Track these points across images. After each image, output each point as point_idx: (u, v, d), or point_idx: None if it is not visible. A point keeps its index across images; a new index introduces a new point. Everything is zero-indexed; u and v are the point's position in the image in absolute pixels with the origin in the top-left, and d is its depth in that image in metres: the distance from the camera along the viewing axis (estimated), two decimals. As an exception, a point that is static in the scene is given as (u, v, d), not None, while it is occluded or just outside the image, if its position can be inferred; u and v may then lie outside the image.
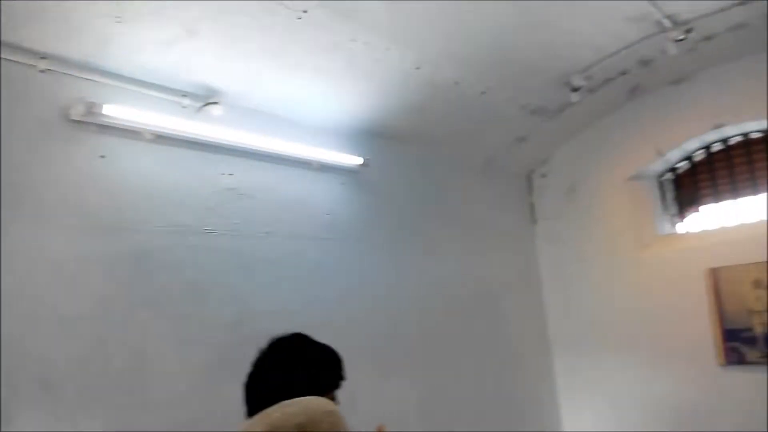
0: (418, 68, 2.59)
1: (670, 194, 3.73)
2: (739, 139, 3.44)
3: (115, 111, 1.95)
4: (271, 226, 2.41)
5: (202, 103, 2.22)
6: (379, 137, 2.94)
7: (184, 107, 2.19)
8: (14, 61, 1.81)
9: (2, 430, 1.64)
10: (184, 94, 2.19)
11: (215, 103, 2.23)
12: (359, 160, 2.72)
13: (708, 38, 2.96)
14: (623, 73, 3.22)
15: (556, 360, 4.07)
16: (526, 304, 3.92)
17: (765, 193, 3.37)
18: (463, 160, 3.52)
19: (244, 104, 2.37)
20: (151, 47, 2.01)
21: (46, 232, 1.83)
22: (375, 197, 2.90)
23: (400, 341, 2.83)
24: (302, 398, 1.08)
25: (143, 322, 2.00)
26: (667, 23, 2.78)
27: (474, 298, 3.44)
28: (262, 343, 2.29)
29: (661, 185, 3.72)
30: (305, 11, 2.10)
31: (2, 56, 1.78)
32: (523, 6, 2.42)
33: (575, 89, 3.10)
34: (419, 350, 2.91)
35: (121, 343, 1.94)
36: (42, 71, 1.87)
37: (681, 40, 2.84)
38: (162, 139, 2.12)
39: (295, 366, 1.36)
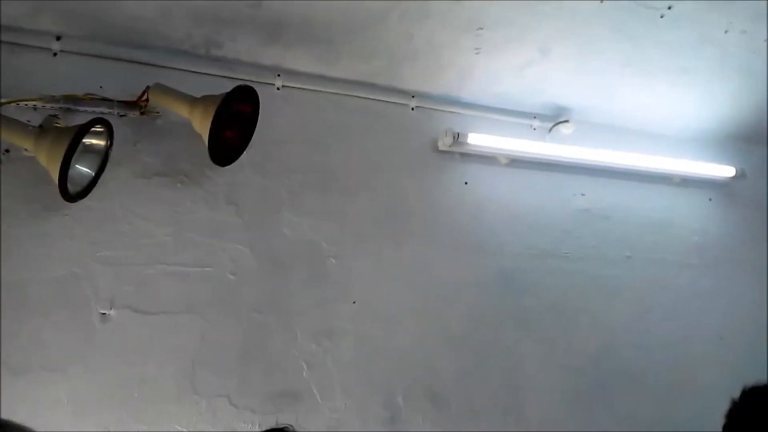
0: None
1: None
2: None
3: (475, 139, 2.04)
4: (631, 250, 2.21)
5: (553, 123, 2.17)
6: (757, 143, 2.46)
7: (534, 129, 2.18)
8: (391, 102, 2.04)
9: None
10: (534, 116, 2.18)
11: (565, 121, 2.16)
12: (731, 171, 2.29)
13: None
14: None
15: None
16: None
17: None
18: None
19: (594, 120, 2.23)
20: (505, 73, 2.05)
21: (429, 251, 1.99)
22: (753, 213, 2.43)
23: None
24: None
25: (514, 343, 2.02)
26: None
27: None
28: (628, 374, 2.11)
29: None
30: (669, 7, 1.88)
31: (383, 99, 2.02)
32: None
33: None
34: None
35: (496, 361, 1.98)
36: (413, 108, 2.08)
37: None
38: (516, 162, 2.13)
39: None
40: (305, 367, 1.77)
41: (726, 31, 1.99)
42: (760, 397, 1.24)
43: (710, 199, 2.35)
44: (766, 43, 2.04)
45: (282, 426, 1.19)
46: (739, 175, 2.32)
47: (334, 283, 1.87)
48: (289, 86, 1.89)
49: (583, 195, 2.19)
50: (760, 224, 2.44)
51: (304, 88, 1.90)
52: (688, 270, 2.26)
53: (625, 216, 2.21)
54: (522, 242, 2.10)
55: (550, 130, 2.18)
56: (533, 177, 2.17)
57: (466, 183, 2.09)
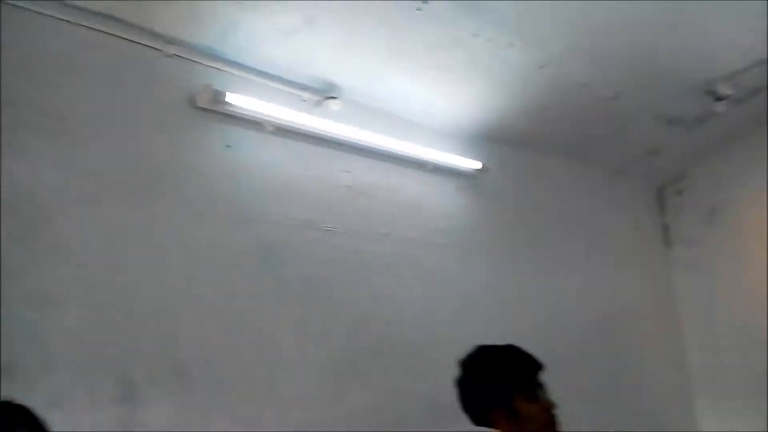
0: (542, 67, 2.41)
1: None
2: None
3: (239, 100, 1.94)
4: (389, 228, 2.29)
5: (322, 98, 2.18)
6: (500, 141, 2.76)
7: (304, 101, 2.16)
8: (142, 45, 1.83)
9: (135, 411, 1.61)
10: (305, 88, 2.15)
11: (334, 98, 2.19)
12: (477, 165, 2.55)
13: None
14: (774, 83, 2.85)
15: (697, 403, 3.55)
16: (661, 336, 3.47)
17: None
18: (590, 171, 3.25)
19: (362, 101, 2.30)
20: (271, 36, 1.99)
21: (180, 215, 1.83)
22: (494, 204, 2.71)
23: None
24: None
25: (269, 315, 1.94)
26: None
27: (600, 325, 3.08)
28: (380, 348, 2.17)
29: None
30: (425, 1, 2.00)
31: (129, 38, 1.80)
32: (660, 2, 2.19)
33: (720, 98, 2.77)
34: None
35: (248, 333, 1.88)
36: (169, 56, 1.89)
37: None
38: (283, 131, 2.09)
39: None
40: (21, 336, 1.49)
41: (474, 35, 2.19)
42: (477, 352, 1.45)
43: (458, 188, 2.57)
44: (508, 50, 2.30)
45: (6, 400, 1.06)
46: (484, 169, 2.59)
47: (57, 242, 1.60)
48: (10, 3, 1.59)
49: (348, 172, 2.23)
50: (500, 214, 2.73)
51: (28, 9, 1.62)
52: (437, 250, 2.42)
53: (385, 195, 2.30)
54: (284, 213, 2.05)
55: (319, 104, 2.18)
56: (300, 148, 2.15)
57: (228, 146, 1.98)
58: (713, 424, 3.48)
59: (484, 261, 2.60)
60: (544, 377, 1.48)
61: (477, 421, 1.42)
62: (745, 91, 2.79)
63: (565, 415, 2.71)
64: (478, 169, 2.56)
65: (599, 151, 3.12)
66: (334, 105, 2.18)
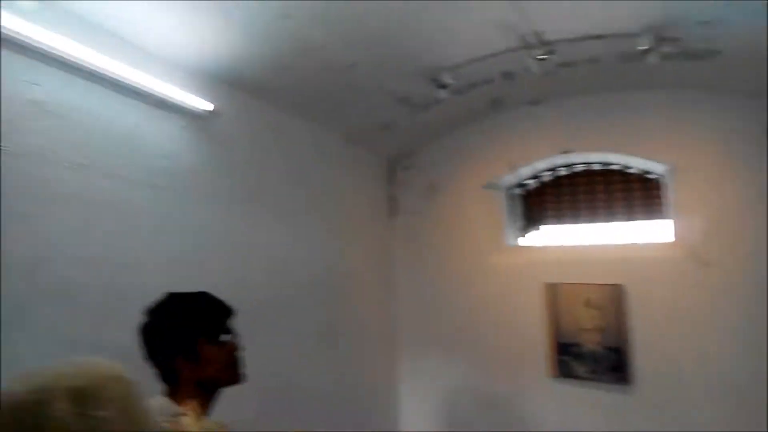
0: (283, 18, 2.34)
1: (519, 208, 3.88)
2: (583, 167, 3.67)
3: None
4: (89, 158, 1.98)
5: (14, -9, 1.79)
6: (238, 88, 2.64)
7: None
8: None
9: None
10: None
11: (32, -7, 1.82)
12: (209, 106, 2.40)
13: (567, 65, 3.11)
14: (488, 81, 3.27)
15: (401, 358, 3.98)
16: (377, 295, 3.81)
17: (603, 222, 3.61)
18: (327, 135, 3.35)
19: (79, 11, 1.96)
20: None
21: None
22: (223, 150, 2.58)
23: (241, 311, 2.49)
24: (86, 359, 0.95)
25: None
26: (531, 39, 2.87)
27: (323, 279, 3.23)
28: (64, 291, 1.87)
29: (511, 198, 3.86)
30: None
31: None
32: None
33: (442, 86, 3.09)
34: (258, 322, 2.57)
35: None
36: None
37: (542, 59, 2.95)
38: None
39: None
40: None
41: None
42: (164, 300, 1.42)
43: (184, 127, 2.38)
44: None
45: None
46: (216, 113, 2.45)
47: None
48: None
49: (37, 85, 1.87)
50: (228, 161, 2.62)
51: None
52: (154, 190, 2.21)
53: (90, 122, 1.99)
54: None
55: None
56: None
57: None
58: (414, 372, 3.94)
59: (208, 207, 2.46)
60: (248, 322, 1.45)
61: (162, 369, 1.37)
62: (464, 83, 3.17)
63: (287, 355, 2.77)
64: (210, 111, 2.41)
65: (336, 117, 3.23)
66: (27, 4, 1.81)
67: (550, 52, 2.94)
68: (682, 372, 3.15)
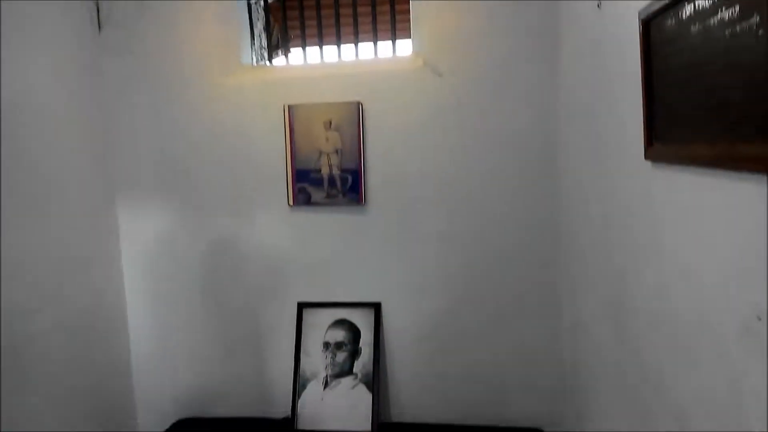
0: None
1: (260, 23, 3.41)
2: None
3: None
4: None
5: None
6: None
7: None
8: None
9: None
10: None
11: None
12: None
13: None
14: None
15: (118, 195, 3.42)
16: (76, 127, 3.11)
17: (349, 44, 3.36)
18: None
19: None
20: None
21: None
22: None
23: None
24: None
25: None
26: None
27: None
28: None
29: (250, 10, 3.36)
30: None
31: None
32: None
33: None
34: None
35: None
36: None
37: None
38: None
39: None
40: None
41: None
42: None
43: None
44: None
45: None
46: None
47: None
48: None
49: None
50: None
51: None
52: None
53: None
54: None
55: None
56: None
57: None
58: (134, 218, 3.43)
59: None
60: None
61: None
62: None
63: None
64: None
65: None
66: None
67: None
68: (411, 187, 3.16)
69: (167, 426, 3.35)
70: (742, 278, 1.00)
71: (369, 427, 3.07)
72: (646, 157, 1.56)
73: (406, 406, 3.26)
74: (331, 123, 3.22)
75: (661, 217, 1.43)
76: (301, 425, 3.16)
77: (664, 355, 1.42)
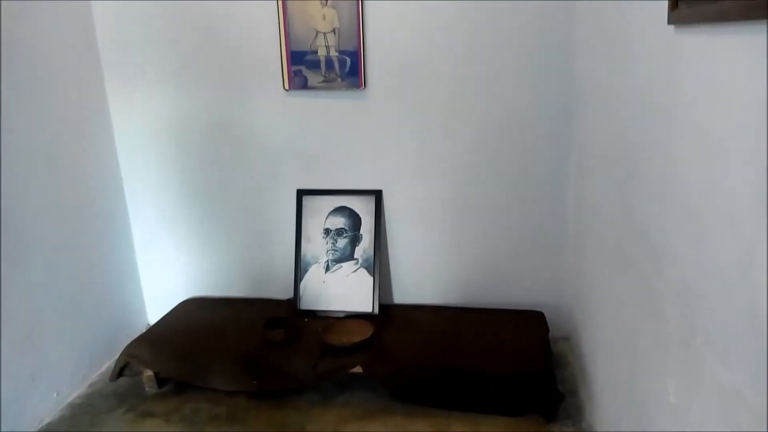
0: None
1: None
2: None
3: None
4: None
5: None
6: None
7: None
8: None
9: None
10: None
11: None
12: None
13: None
14: None
15: (108, 87, 3.29)
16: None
17: None
18: None
19: None
20: None
21: None
22: None
23: None
24: None
25: None
26: None
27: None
28: None
29: None
30: None
31: None
32: None
33: None
34: None
35: None
36: None
37: None
38: None
39: None
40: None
41: None
42: None
43: None
44: None
45: None
46: None
47: None
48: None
49: None
50: None
51: None
52: None
53: None
54: None
55: None
56: None
57: None
58: (130, 108, 3.31)
59: None
60: None
61: None
62: None
63: None
64: None
65: None
66: None
67: None
68: (415, 69, 3.00)
69: (174, 305, 3.44)
70: (760, 143, 0.93)
71: (370, 308, 3.16)
72: (670, 21, 1.43)
73: (408, 290, 3.33)
74: (327, -1, 3.00)
75: (682, 85, 1.33)
76: (303, 305, 3.25)
77: (671, 228, 1.39)
